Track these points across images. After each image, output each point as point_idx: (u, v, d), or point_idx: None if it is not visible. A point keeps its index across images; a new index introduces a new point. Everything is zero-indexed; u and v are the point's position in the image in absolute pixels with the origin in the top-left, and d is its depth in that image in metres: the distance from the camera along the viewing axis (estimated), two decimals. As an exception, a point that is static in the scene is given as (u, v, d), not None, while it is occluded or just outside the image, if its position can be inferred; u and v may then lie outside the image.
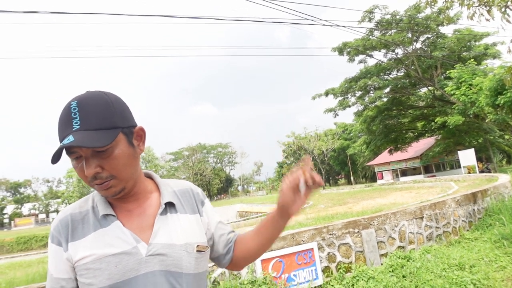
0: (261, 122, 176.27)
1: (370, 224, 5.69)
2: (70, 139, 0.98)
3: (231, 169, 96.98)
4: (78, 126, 1.01)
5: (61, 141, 1.02)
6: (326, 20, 12.40)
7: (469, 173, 24.49)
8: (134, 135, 1.15)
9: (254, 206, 32.73)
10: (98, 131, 1.02)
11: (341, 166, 66.07)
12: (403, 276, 4.93)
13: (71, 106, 1.03)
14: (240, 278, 4.70)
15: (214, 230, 1.31)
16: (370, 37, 28.68)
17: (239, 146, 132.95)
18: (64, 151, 1.03)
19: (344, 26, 13.74)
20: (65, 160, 1.05)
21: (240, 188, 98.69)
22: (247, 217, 18.79)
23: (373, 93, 31.60)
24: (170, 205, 1.20)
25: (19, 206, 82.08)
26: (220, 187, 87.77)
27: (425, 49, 29.46)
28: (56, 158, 1.01)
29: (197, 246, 1.17)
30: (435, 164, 43.91)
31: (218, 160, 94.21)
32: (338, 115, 34.39)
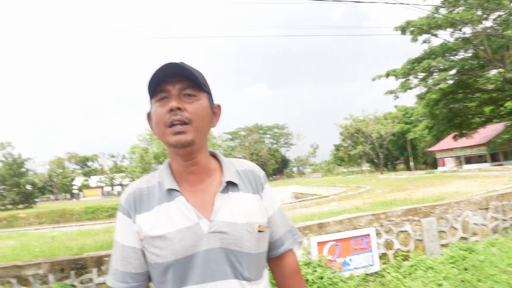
0: (317, 103, 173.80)
1: (431, 212, 5.51)
2: (175, 63, 1.11)
3: (287, 150, 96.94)
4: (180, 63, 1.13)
5: (157, 77, 1.12)
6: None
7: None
8: (214, 106, 1.25)
9: (309, 188, 32.68)
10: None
11: (400, 151, 64.07)
12: (465, 269, 4.76)
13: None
14: (295, 260, 4.75)
15: (271, 217, 1.28)
16: (436, 15, 27.12)
17: (296, 128, 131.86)
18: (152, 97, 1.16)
19: (408, 4, 13.14)
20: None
21: (295, 169, 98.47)
22: (302, 199, 18.79)
23: (437, 74, 29.97)
24: (232, 184, 1.20)
25: (87, 178, 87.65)
26: (275, 167, 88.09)
27: (496, 27, 27.38)
28: (155, 80, 1.12)
29: (258, 226, 1.17)
30: (503, 152, 41.33)
31: (274, 141, 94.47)
32: (398, 97, 32.99)
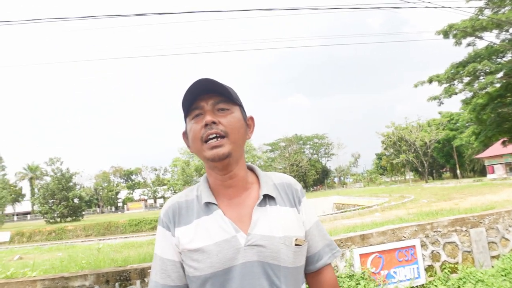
0: (357, 112, 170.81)
1: (480, 222, 5.27)
2: (206, 79, 1.14)
3: (328, 160, 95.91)
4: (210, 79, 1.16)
5: (190, 94, 1.16)
6: (429, 2, 11.57)
7: None
8: (247, 118, 1.27)
9: (351, 198, 32.11)
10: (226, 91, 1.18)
11: (445, 158, 61.92)
12: (519, 282, 4.50)
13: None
14: (337, 272, 4.67)
15: (308, 231, 1.27)
16: (480, 16, 26.15)
17: (336, 137, 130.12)
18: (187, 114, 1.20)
19: (450, 7, 12.74)
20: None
21: (336, 179, 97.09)
22: (344, 210, 18.47)
23: (483, 78, 28.79)
24: (269, 198, 1.20)
25: (131, 191, 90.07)
26: (316, 178, 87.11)
27: (547, 27, 26.06)
28: (188, 97, 1.16)
29: (296, 239, 1.16)
30: (558, 157, 39.03)
31: (314, 151, 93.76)
32: (443, 103, 31.82)
